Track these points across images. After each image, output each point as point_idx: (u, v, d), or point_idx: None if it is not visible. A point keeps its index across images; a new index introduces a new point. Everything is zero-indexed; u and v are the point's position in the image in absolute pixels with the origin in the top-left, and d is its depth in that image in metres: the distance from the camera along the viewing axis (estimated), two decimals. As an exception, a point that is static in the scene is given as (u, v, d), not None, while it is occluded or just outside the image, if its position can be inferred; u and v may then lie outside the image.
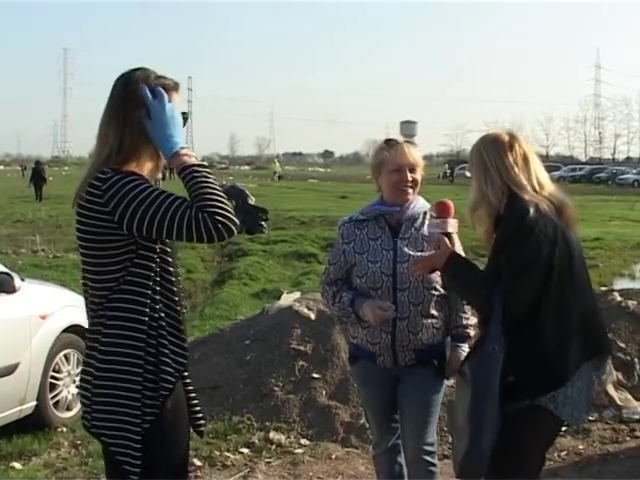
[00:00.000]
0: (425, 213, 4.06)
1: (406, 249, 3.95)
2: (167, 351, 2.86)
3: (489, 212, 3.44)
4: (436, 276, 3.93)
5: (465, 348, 4.04)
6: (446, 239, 3.62)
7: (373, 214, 4.05)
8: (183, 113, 2.97)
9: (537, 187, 3.43)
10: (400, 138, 4.09)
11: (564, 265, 3.32)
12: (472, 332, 4.14)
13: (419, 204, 4.06)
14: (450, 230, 3.67)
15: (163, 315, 2.86)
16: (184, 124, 2.98)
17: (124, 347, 2.80)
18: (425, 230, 3.99)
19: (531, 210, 3.28)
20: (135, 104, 2.84)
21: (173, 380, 2.88)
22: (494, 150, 3.47)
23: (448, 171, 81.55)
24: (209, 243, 2.78)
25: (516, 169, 3.43)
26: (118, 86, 2.89)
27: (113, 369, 2.80)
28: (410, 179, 3.97)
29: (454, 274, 3.53)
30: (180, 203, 2.71)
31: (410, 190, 3.99)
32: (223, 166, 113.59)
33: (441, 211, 3.73)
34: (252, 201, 23.39)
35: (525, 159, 3.47)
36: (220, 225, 2.70)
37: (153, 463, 2.86)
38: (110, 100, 2.89)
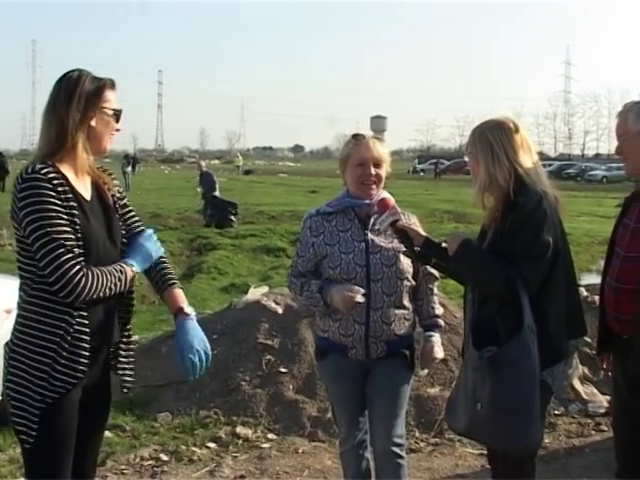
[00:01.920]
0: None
1: (377, 240, 3.99)
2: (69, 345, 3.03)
3: (498, 194, 3.53)
4: (408, 267, 4.01)
5: (437, 338, 4.15)
6: (403, 222, 3.83)
7: (342, 206, 4.07)
8: (116, 110, 3.18)
9: (539, 173, 3.57)
10: (368, 133, 4.12)
11: (563, 250, 3.51)
12: (442, 322, 4.26)
13: (384, 195, 4.07)
14: (400, 216, 3.87)
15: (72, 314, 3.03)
16: (118, 120, 3.20)
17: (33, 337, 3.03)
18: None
19: (543, 195, 3.43)
20: (69, 103, 3.04)
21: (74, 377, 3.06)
22: (501, 133, 3.54)
23: (418, 166, 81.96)
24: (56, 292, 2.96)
25: (522, 152, 3.54)
26: (55, 87, 3.09)
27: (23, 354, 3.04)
28: (374, 174, 3.99)
29: (470, 257, 3.55)
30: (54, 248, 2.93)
31: (374, 185, 4.02)
32: (193, 160, 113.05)
33: (384, 207, 3.88)
34: (216, 193, 23.30)
35: (529, 146, 3.60)
36: (69, 292, 2.93)
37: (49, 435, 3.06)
38: (48, 100, 3.09)
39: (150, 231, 3.36)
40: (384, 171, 4.05)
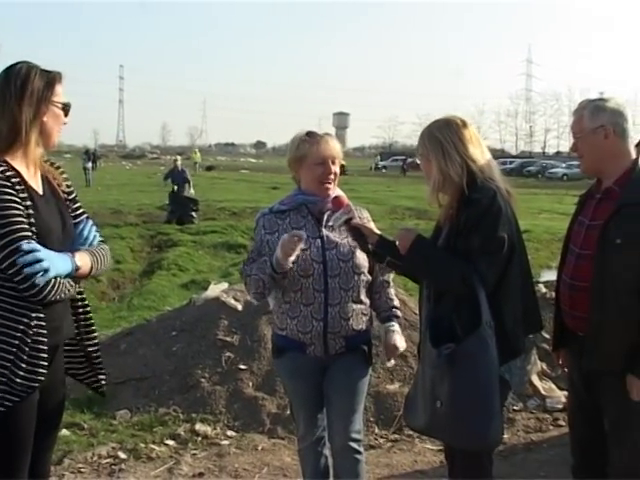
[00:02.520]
0: None
1: (332, 236, 4.00)
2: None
3: (452, 191, 3.55)
4: (364, 261, 4.02)
5: (397, 328, 4.18)
6: (357, 220, 3.86)
7: (295, 204, 4.07)
8: (64, 104, 3.15)
9: (491, 167, 3.58)
10: (321, 130, 4.14)
11: (518, 246, 3.53)
12: (400, 313, 4.29)
13: (338, 193, 4.09)
14: (354, 214, 3.89)
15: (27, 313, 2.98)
16: (66, 114, 3.16)
17: None
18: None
19: (497, 190, 3.45)
20: (20, 98, 3.00)
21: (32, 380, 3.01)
22: (449, 130, 3.56)
23: (380, 163, 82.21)
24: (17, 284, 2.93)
25: (472, 146, 3.55)
26: (3, 81, 3.03)
27: None
28: (332, 171, 4.00)
29: (424, 253, 3.55)
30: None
31: (332, 183, 4.03)
32: (154, 156, 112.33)
33: (338, 205, 3.90)
34: (188, 193, 23.23)
35: (478, 141, 3.61)
36: (39, 291, 2.91)
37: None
38: None
39: (89, 222, 3.31)
40: (338, 168, 4.07)
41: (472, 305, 3.32)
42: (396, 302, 4.27)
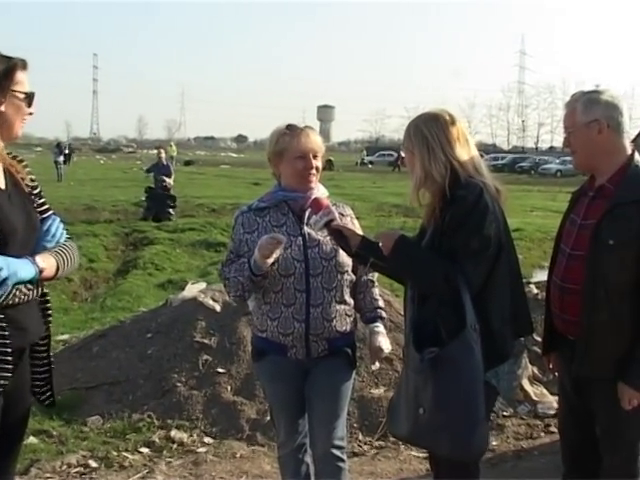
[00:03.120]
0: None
1: (314, 234, 4.00)
2: None
3: (434, 190, 3.52)
4: (347, 260, 4.02)
5: (382, 329, 4.18)
6: (338, 222, 3.83)
7: (276, 200, 4.06)
8: (27, 94, 3.09)
9: (477, 166, 3.55)
10: (301, 123, 4.12)
11: (507, 244, 3.52)
12: (385, 314, 4.30)
13: (321, 190, 4.10)
14: (336, 215, 3.85)
15: None
16: (30, 104, 3.12)
17: None
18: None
19: (484, 186, 3.43)
20: None
21: None
22: (436, 126, 3.53)
23: (366, 158, 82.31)
24: None
25: (459, 145, 3.53)
26: None
27: None
28: (314, 165, 4.00)
29: (406, 254, 3.53)
30: None
31: (314, 178, 4.03)
32: (130, 150, 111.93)
33: (318, 206, 3.87)
34: (172, 188, 23.18)
35: (466, 139, 3.58)
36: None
37: None
38: None
39: (56, 218, 3.27)
40: (320, 162, 4.07)
41: (456, 307, 3.30)
42: (381, 302, 4.27)
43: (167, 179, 22.53)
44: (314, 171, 4.00)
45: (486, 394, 3.35)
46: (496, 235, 3.42)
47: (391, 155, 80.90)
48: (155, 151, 27.23)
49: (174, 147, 68.12)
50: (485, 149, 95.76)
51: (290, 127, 4.03)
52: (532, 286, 8.08)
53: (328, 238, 3.98)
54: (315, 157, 4.00)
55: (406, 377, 3.52)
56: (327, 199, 3.98)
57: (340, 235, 3.82)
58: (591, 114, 3.63)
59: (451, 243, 3.38)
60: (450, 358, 3.27)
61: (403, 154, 3.79)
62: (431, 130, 3.52)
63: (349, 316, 4.08)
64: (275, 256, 3.82)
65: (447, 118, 3.56)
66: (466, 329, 3.27)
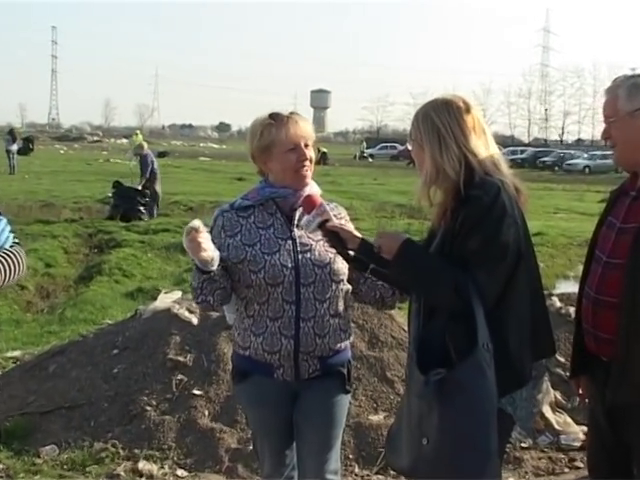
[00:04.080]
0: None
1: (305, 237, 3.99)
2: None
3: (446, 187, 3.50)
4: (344, 267, 4.00)
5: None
6: (333, 222, 3.79)
7: (262, 198, 4.04)
8: None
9: (495, 161, 3.53)
10: (285, 110, 4.07)
11: (527, 251, 3.49)
12: None
13: (313, 188, 4.07)
14: (330, 215, 3.82)
15: None
16: None
17: None
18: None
19: (501, 185, 3.40)
20: None
21: None
22: (448, 114, 3.51)
23: (366, 151, 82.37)
24: None
25: (474, 136, 3.51)
26: None
27: None
28: (308, 156, 3.98)
29: (412, 260, 3.49)
30: None
31: (308, 171, 4.01)
32: (95, 139, 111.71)
33: (311, 204, 3.84)
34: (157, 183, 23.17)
35: (482, 129, 3.56)
36: None
37: None
38: None
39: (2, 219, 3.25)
40: (312, 151, 4.05)
41: (468, 323, 3.28)
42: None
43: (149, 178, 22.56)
44: (308, 163, 3.99)
45: (501, 423, 3.33)
46: (515, 241, 3.39)
47: (394, 147, 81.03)
48: (125, 140, 27.17)
49: (140, 136, 67.66)
50: (502, 141, 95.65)
51: (274, 116, 3.99)
52: (555, 299, 8.06)
53: (322, 242, 3.96)
54: (307, 146, 3.99)
55: (408, 402, 3.49)
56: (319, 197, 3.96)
57: (336, 237, 3.79)
58: (636, 101, 3.59)
59: (463, 249, 3.36)
60: (459, 381, 3.24)
61: (410, 146, 3.74)
62: (443, 118, 3.50)
63: (344, 331, 4.07)
64: (205, 246, 3.66)
65: (461, 105, 3.53)
66: (477, 348, 3.24)
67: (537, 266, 3.67)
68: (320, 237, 3.95)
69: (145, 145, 23.84)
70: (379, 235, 3.63)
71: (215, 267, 3.78)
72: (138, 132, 70.92)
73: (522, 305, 3.45)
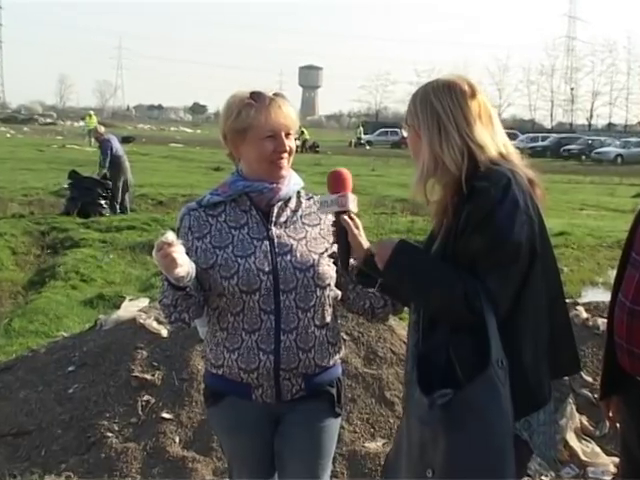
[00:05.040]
0: (299, 193, 4.13)
1: (285, 236, 3.98)
2: None
3: (446, 182, 3.48)
4: (330, 270, 4.00)
5: None
6: (348, 219, 3.71)
7: (234, 193, 4.03)
8: None
9: (503, 151, 3.51)
10: (269, 90, 4.05)
11: (543, 253, 3.45)
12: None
13: (294, 180, 4.08)
14: (351, 207, 3.75)
15: None
16: None
17: None
18: (305, 212, 4.07)
19: (513, 176, 3.37)
20: None
21: None
22: (450, 98, 3.50)
23: (363, 137, 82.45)
24: None
25: (480, 125, 3.49)
26: None
27: None
28: (287, 148, 3.98)
29: (411, 264, 3.48)
30: None
31: (286, 163, 4.01)
32: (49, 121, 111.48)
33: (336, 184, 3.80)
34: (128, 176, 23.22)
35: (489, 116, 3.55)
36: None
37: None
38: None
39: None
40: (294, 141, 4.05)
41: (475, 336, 3.27)
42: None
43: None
44: (286, 155, 3.98)
45: (515, 452, 3.31)
46: (529, 241, 3.36)
47: (396, 133, 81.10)
48: (81, 123, 27.15)
49: (93, 117, 67.23)
50: (520, 126, 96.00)
51: (255, 95, 3.97)
52: (580, 308, 8.07)
53: (304, 242, 3.98)
54: (288, 136, 3.98)
55: (407, 427, 3.47)
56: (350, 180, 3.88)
57: (343, 236, 3.76)
58: None
59: (468, 250, 3.34)
60: (470, 403, 3.22)
61: (405, 133, 3.74)
62: (444, 103, 3.49)
63: (333, 344, 4.06)
64: (181, 261, 3.64)
65: (466, 88, 3.52)
66: (490, 365, 3.22)
67: (557, 270, 3.64)
68: (303, 234, 3.99)
69: (102, 129, 23.79)
70: (374, 247, 3.64)
71: (191, 282, 3.78)
72: (92, 113, 70.29)
73: (538, 314, 3.44)
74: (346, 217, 3.74)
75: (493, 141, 3.50)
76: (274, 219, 4.00)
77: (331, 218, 3.84)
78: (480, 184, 3.34)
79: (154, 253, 3.63)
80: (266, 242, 3.96)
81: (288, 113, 3.96)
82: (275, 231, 3.99)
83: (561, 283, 3.68)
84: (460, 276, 3.32)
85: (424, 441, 3.33)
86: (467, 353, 3.30)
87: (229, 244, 3.95)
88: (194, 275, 3.77)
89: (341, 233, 3.77)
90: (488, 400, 3.23)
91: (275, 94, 4.01)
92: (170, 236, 3.61)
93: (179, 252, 3.62)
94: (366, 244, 3.77)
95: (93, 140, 59.91)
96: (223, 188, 4.06)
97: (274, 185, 3.98)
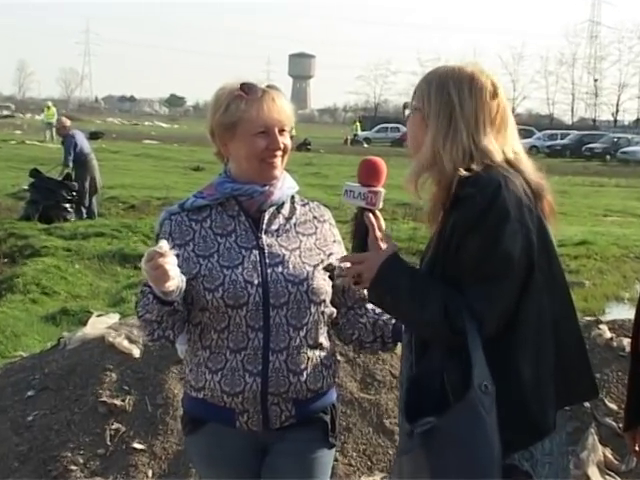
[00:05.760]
0: (293, 198, 4.14)
1: (277, 246, 3.98)
2: None
3: (439, 181, 3.48)
4: (325, 284, 4.01)
5: None
6: (373, 218, 3.62)
7: (221, 196, 4.03)
8: None
9: (511, 158, 3.50)
10: (262, 82, 4.05)
11: (547, 264, 3.44)
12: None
13: (287, 183, 4.09)
14: (380, 206, 3.68)
15: None
16: None
17: None
18: (299, 219, 4.09)
19: (504, 180, 3.34)
20: None
21: None
22: (470, 94, 3.48)
23: (361, 133, 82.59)
24: None
25: (490, 129, 3.49)
26: None
27: None
28: (282, 146, 3.98)
29: (396, 285, 3.45)
30: None
31: (279, 162, 4.01)
32: (6, 113, 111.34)
33: (368, 175, 3.72)
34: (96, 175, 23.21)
35: (504, 119, 3.55)
36: None
37: None
38: None
39: None
40: (289, 139, 4.05)
41: (463, 359, 3.27)
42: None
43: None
44: (280, 153, 3.99)
45: None
46: (524, 252, 3.34)
47: (397, 129, 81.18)
48: (41, 116, 27.18)
49: (52, 109, 66.77)
50: (537, 122, 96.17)
51: (246, 87, 3.97)
52: (604, 327, 8.03)
53: (297, 252, 3.99)
54: (282, 132, 3.98)
55: (399, 459, 3.49)
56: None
57: (363, 234, 3.66)
58: None
59: (455, 265, 3.34)
60: (449, 432, 3.23)
61: (407, 112, 3.71)
62: (462, 96, 3.47)
63: (327, 367, 4.07)
64: (173, 273, 3.63)
65: (489, 87, 3.51)
66: (472, 390, 3.21)
67: (565, 286, 3.61)
68: (297, 244, 4.00)
69: (68, 122, 23.77)
70: (356, 260, 3.62)
71: (179, 296, 3.78)
72: (50, 104, 69.65)
73: (539, 334, 3.42)
74: (371, 216, 3.64)
75: (500, 147, 3.49)
76: (265, 226, 4.00)
77: (353, 210, 3.76)
78: (465, 191, 3.33)
79: (143, 263, 3.59)
80: (255, 252, 3.96)
81: (282, 107, 3.97)
82: (266, 240, 3.99)
83: (572, 300, 3.64)
84: (443, 291, 3.33)
85: (410, 472, 3.33)
86: (456, 377, 3.30)
87: (214, 253, 3.95)
88: (184, 288, 3.76)
89: (360, 231, 3.68)
90: (468, 428, 3.21)
91: (269, 86, 4.01)
92: (164, 245, 3.59)
93: (172, 263, 3.60)
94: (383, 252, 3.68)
95: (55, 135, 59.98)
96: (209, 190, 4.06)
97: (266, 188, 3.98)
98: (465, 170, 3.38)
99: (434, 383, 3.34)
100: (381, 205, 3.69)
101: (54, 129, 60.78)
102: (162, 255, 3.55)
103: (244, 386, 3.92)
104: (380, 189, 3.66)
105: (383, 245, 3.65)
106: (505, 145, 3.51)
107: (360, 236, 3.68)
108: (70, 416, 6.89)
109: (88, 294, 15.67)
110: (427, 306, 3.33)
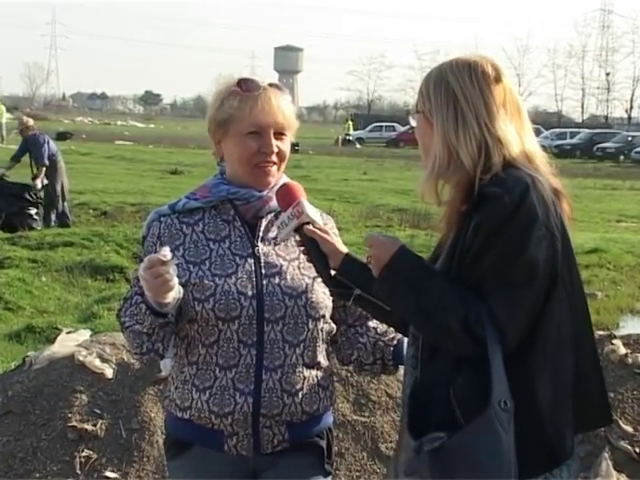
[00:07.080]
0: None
1: (274, 255, 3.99)
2: None
3: (458, 180, 3.45)
4: (325, 298, 3.99)
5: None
6: (312, 228, 3.70)
7: (216, 199, 4.02)
8: None
9: (528, 152, 3.49)
10: (264, 78, 4.04)
11: (568, 275, 3.43)
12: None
13: (290, 182, 4.03)
14: (310, 214, 3.73)
15: None
16: None
17: None
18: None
19: (532, 182, 3.33)
20: None
21: None
22: (471, 80, 3.47)
23: (353, 133, 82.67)
24: None
25: (503, 115, 3.47)
26: None
27: None
28: (276, 150, 3.96)
29: (409, 276, 3.43)
30: None
31: (274, 168, 4.00)
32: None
33: (284, 199, 3.81)
34: (63, 181, 23.19)
35: (516, 106, 3.54)
36: None
37: None
38: None
39: None
40: (289, 144, 4.03)
41: (480, 372, 3.24)
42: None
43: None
44: (275, 157, 3.97)
45: None
46: (549, 259, 3.33)
47: (392, 128, 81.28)
48: (9, 116, 27.13)
49: (2, 107, 66.13)
50: (545, 120, 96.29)
51: (243, 83, 3.96)
52: (618, 342, 8.04)
53: (296, 263, 3.98)
54: (279, 136, 3.97)
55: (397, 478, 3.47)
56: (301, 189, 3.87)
57: (316, 250, 3.73)
58: None
59: (476, 268, 3.32)
60: (463, 450, 3.19)
61: (413, 122, 3.72)
62: (464, 85, 3.46)
63: (324, 388, 4.06)
64: (172, 283, 3.63)
65: (489, 71, 3.49)
66: (491, 406, 3.18)
67: (584, 299, 3.60)
68: (297, 253, 3.98)
69: (31, 122, 23.73)
70: (370, 242, 3.57)
71: (174, 308, 3.77)
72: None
73: (560, 350, 3.40)
74: (310, 226, 3.71)
75: (519, 137, 3.48)
76: (261, 234, 4.00)
77: (341, 219, 3.77)
78: (492, 190, 3.30)
79: (142, 270, 3.57)
80: (250, 260, 3.96)
81: (281, 108, 3.96)
82: (262, 248, 3.98)
83: (589, 314, 3.63)
84: (463, 296, 3.30)
85: None
86: (468, 392, 3.27)
87: (206, 260, 3.94)
88: (180, 298, 3.76)
89: (311, 247, 3.74)
90: (485, 447, 3.18)
91: (270, 84, 3.99)
92: (168, 253, 3.56)
93: (172, 273, 3.60)
94: (343, 248, 3.77)
95: (6, 135, 59.62)
96: (203, 192, 4.05)
97: (264, 193, 3.98)
98: (485, 167, 3.36)
99: (440, 398, 3.32)
100: (314, 215, 3.77)
101: (4, 129, 60.59)
102: (164, 263, 3.55)
103: (234, 406, 3.90)
104: (299, 199, 3.74)
105: (339, 244, 3.75)
106: (522, 131, 3.51)
107: (313, 251, 3.74)
108: (36, 443, 6.86)
109: (56, 309, 15.64)
110: (445, 310, 3.30)
